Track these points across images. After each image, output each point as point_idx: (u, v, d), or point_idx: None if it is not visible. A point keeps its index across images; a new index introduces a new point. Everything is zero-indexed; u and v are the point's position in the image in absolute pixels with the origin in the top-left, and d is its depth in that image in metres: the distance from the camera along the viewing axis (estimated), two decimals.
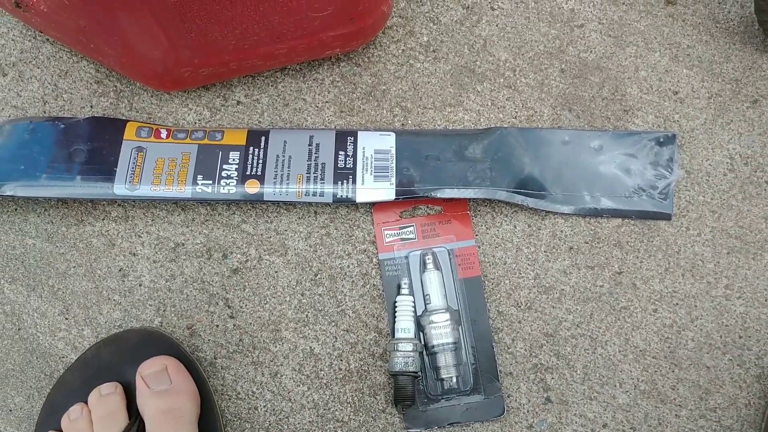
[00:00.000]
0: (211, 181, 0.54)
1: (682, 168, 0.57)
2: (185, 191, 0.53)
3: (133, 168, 0.54)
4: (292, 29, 0.51)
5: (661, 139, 0.57)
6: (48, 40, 0.59)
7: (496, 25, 0.60)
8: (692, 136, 0.58)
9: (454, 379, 0.52)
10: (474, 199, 0.56)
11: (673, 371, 0.54)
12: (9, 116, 0.58)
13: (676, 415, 0.53)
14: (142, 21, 0.46)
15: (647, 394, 0.53)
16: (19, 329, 0.54)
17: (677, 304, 0.55)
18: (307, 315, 0.55)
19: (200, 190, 0.54)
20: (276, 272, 0.55)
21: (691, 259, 0.56)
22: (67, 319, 0.54)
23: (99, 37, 0.50)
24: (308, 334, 0.54)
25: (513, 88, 0.59)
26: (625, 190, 0.56)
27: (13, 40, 0.59)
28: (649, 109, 0.58)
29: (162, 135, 0.56)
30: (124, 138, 0.55)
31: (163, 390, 0.47)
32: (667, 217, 0.56)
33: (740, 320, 0.54)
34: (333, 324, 0.54)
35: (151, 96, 0.58)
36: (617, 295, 0.55)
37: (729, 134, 0.58)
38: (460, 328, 0.54)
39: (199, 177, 0.54)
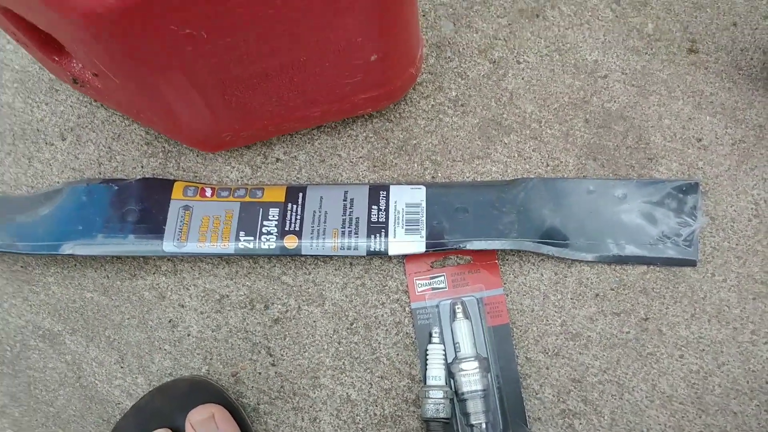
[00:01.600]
0: (252, 237, 0.57)
1: (707, 214, 0.58)
2: (229, 247, 0.57)
3: (180, 226, 0.58)
4: (325, 95, 0.55)
5: (684, 188, 0.58)
6: (102, 106, 0.64)
7: (522, 78, 0.63)
8: (716, 183, 0.59)
9: (484, 425, 0.54)
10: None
11: (700, 417, 0.55)
12: (68, 178, 0.63)
13: None
14: (187, 97, 0.50)
15: None
16: (79, 377, 0.59)
17: (703, 349, 0.56)
18: (343, 362, 0.58)
19: (242, 246, 0.57)
20: (314, 322, 0.58)
21: (717, 305, 0.57)
22: (122, 367, 0.59)
23: (148, 109, 0.54)
24: (345, 380, 0.57)
25: (539, 139, 0.61)
26: (650, 238, 0.58)
27: (71, 106, 0.64)
28: (673, 157, 0.60)
29: (207, 194, 0.60)
30: (172, 197, 0.59)
31: None
32: (692, 263, 0.57)
33: (767, 365, 0.55)
34: (368, 371, 0.57)
35: (197, 156, 0.62)
36: (643, 341, 0.57)
37: (753, 180, 0.59)
38: (489, 375, 0.56)
39: (242, 233, 0.58)
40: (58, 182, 0.62)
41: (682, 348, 0.56)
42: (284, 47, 0.47)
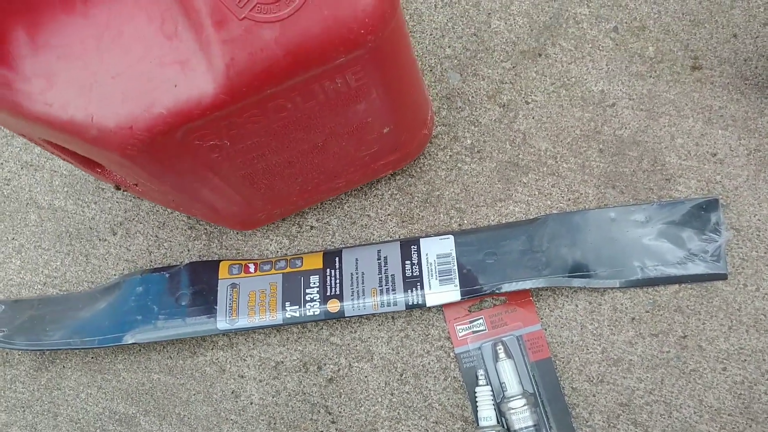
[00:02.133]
0: (297, 306, 0.61)
1: (731, 227, 0.60)
2: (277, 318, 0.61)
3: (230, 303, 0.62)
4: (346, 167, 0.58)
5: (704, 205, 0.60)
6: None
7: (533, 118, 0.65)
8: (737, 194, 0.60)
9: None
10: None
11: (750, 426, 0.56)
12: (123, 269, 0.67)
13: None
14: (222, 193, 0.54)
15: None
16: None
17: (745, 360, 0.57)
18: (398, 412, 0.61)
19: (289, 315, 0.61)
20: (366, 377, 0.62)
21: (753, 315, 0.58)
22: None
23: (187, 204, 0.58)
24: (402, 429, 0.60)
25: (557, 174, 0.64)
26: (677, 257, 0.59)
27: (117, 203, 0.69)
28: (691, 175, 0.62)
29: (251, 269, 0.64)
30: (219, 277, 0.64)
31: None
32: (723, 277, 0.59)
33: None
34: (423, 418, 0.60)
35: (237, 234, 0.67)
36: (685, 358, 0.58)
37: None
38: (538, 409, 0.58)
39: (287, 303, 0.61)
40: (114, 275, 0.67)
41: (724, 361, 0.58)
42: (301, 139, 0.51)
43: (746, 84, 0.63)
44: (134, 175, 0.50)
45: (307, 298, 0.61)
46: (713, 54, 0.64)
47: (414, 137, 0.59)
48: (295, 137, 0.50)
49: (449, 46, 0.68)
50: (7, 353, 0.67)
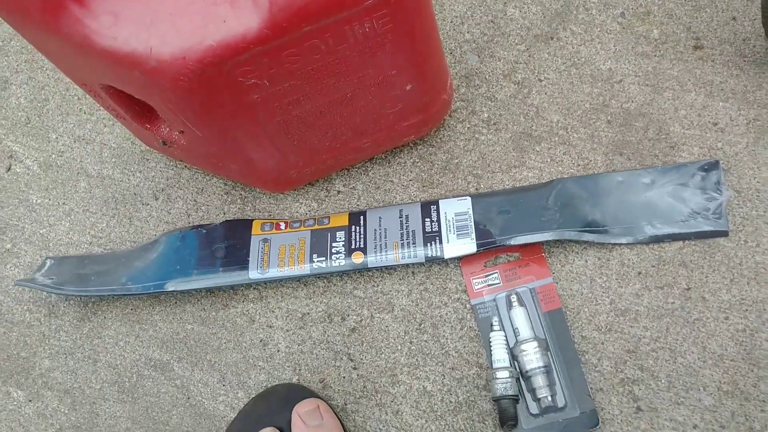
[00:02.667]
0: (324, 258, 0.66)
1: (732, 188, 0.64)
2: (305, 268, 0.65)
3: (261, 256, 0.67)
4: (373, 125, 0.64)
5: (706, 166, 0.64)
6: (186, 167, 0.75)
7: (545, 93, 0.71)
8: (737, 160, 0.65)
9: (550, 398, 0.60)
10: (547, 242, 0.65)
11: (752, 371, 0.59)
12: (163, 230, 0.73)
13: (761, 410, 0.58)
14: (258, 140, 0.60)
15: (731, 395, 0.58)
16: (188, 398, 0.67)
17: (747, 309, 0.60)
18: (417, 359, 0.64)
19: (317, 266, 0.65)
20: (387, 327, 0.66)
21: (754, 268, 0.61)
22: (224, 385, 0.67)
23: (227, 158, 0.64)
24: (420, 375, 0.64)
25: (568, 143, 0.68)
26: (681, 216, 0.63)
27: (160, 171, 0.75)
28: (694, 143, 0.66)
29: (281, 227, 0.68)
30: (252, 234, 0.68)
31: (317, 425, 0.58)
32: (724, 234, 0.62)
33: None
34: (440, 364, 0.64)
35: (269, 198, 0.72)
36: (689, 309, 0.61)
37: None
38: (548, 353, 0.61)
39: (315, 255, 0.66)
40: (155, 235, 0.73)
41: (726, 311, 0.61)
42: (331, 86, 0.57)
43: (745, 61, 0.68)
44: (182, 116, 0.56)
45: (333, 250, 0.66)
46: (714, 35, 0.69)
47: (435, 100, 0.64)
48: (326, 84, 0.56)
49: (468, 32, 0.74)
50: (53, 305, 0.72)
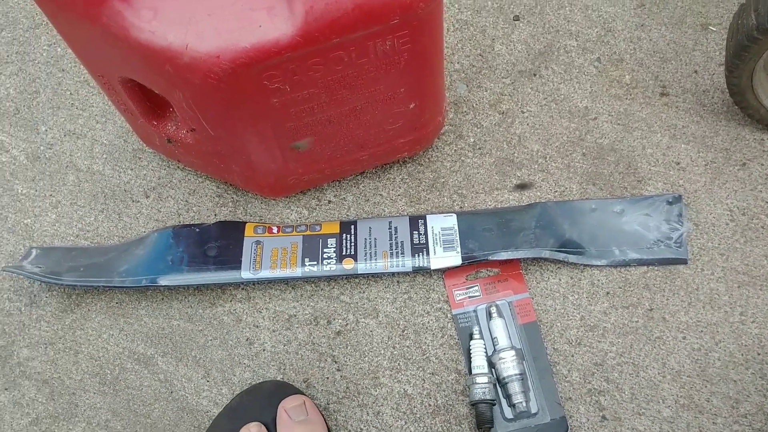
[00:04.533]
0: (315, 262, 0.69)
1: (691, 221, 0.70)
2: (296, 271, 0.68)
3: (254, 257, 0.69)
4: (372, 139, 0.68)
5: (670, 200, 0.70)
6: (179, 167, 0.77)
7: (528, 124, 0.76)
8: (696, 196, 0.71)
9: (524, 404, 0.64)
10: (524, 259, 0.70)
11: (706, 386, 0.65)
12: (153, 227, 0.74)
13: (713, 422, 0.63)
14: (266, 144, 0.63)
15: (686, 407, 0.64)
16: (171, 392, 0.68)
17: (702, 331, 0.67)
18: (399, 363, 0.67)
19: (308, 270, 0.68)
20: (371, 332, 0.69)
21: (709, 294, 0.68)
22: (208, 381, 0.68)
23: (230, 159, 0.66)
24: (401, 378, 0.67)
25: (546, 171, 0.74)
26: (647, 243, 0.69)
27: (152, 170, 0.77)
28: (659, 178, 0.73)
29: (274, 231, 0.71)
30: (245, 235, 0.71)
31: (302, 420, 0.60)
32: (683, 261, 0.69)
33: (756, 340, 0.66)
34: (420, 369, 0.67)
35: (261, 203, 0.74)
36: (651, 327, 0.67)
37: (726, 192, 0.71)
38: (523, 362, 0.66)
39: (306, 259, 0.69)
40: (144, 232, 0.74)
41: (684, 331, 0.67)
42: (344, 98, 0.60)
43: (704, 109, 0.75)
44: (201, 113, 0.58)
45: (325, 256, 0.69)
46: (678, 84, 0.77)
47: (432, 120, 0.69)
48: (340, 95, 0.60)
49: (458, 62, 0.80)
50: (34, 295, 0.72)
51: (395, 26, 0.54)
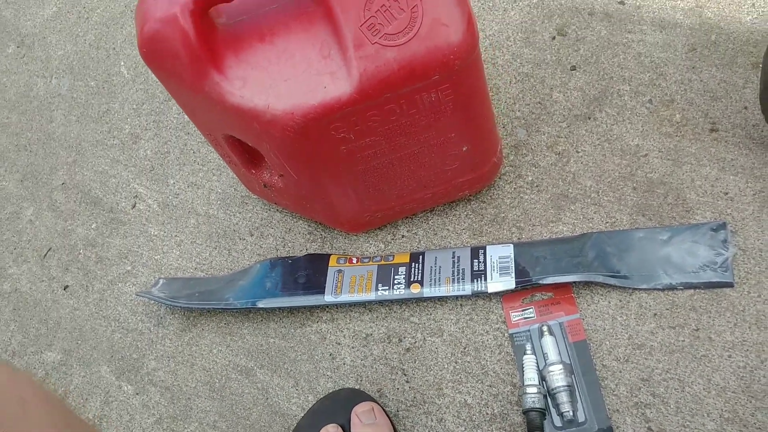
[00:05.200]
0: (387, 287, 0.79)
1: (738, 246, 0.74)
2: (371, 295, 0.79)
3: (336, 283, 0.81)
4: (433, 179, 0.78)
5: (714, 227, 0.75)
6: (278, 210, 0.90)
7: (582, 163, 0.84)
8: (744, 224, 0.76)
9: (571, 413, 0.70)
10: (576, 284, 0.76)
11: (750, 402, 0.68)
12: (256, 260, 0.88)
13: None
14: (341, 186, 0.75)
15: (731, 421, 0.68)
16: (267, 399, 0.80)
17: (748, 349, 0.70)
18: (460, 376, 0.76)
19: (380, 294, 0.79)
20: (436, 348, 0.78)
21: (755, 315, 0.71)
22: (297, 390, 0.79)
23: (314, 200, 0.79)
24: (462, 390, 0.75)
25: (598, 204, 0.81)
26: (693, 267, 0.74)
27: (256, 213, 0.91)
28: (707, 208, 0.77)
29: (353, 261, 0.83)
30: (329, 265, 0.83)
31: (371, 423, 0.70)
32: (729, 285, 0.73)
33: None
34: (479, 381, 0.75)
35: (345, 238, 0.86)
36: (697, 346, 0.71)
37: None
38: (572, 376, 0.72)
39: (380, 285, 0.79)
40: (248, 264, 0.88)
41: (730, 350, 0.70)
42: (402, 143, 0.71)
43: (753, 142, 0.80)
44: (284, 161, 0.71)
45: (395, 282, 0.79)
46: (728, 120, 0.82)
47: (486, 161, 0.79)
48: (398, 141, 0.71)
49: (519, 110, 0.89)
50: (161, 317, 0.87)
51: (437, 81, 0.65)
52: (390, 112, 0.67)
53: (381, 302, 0.80)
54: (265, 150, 0.72)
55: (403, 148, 0.72)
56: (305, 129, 0.66)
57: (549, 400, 0.72)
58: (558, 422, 0.71)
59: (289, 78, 0.66)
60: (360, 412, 0.71)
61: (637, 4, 0.92)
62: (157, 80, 1.04)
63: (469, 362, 0.76)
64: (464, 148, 0.75)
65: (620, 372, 0.72)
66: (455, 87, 0.67)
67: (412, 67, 0.63)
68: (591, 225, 0.80)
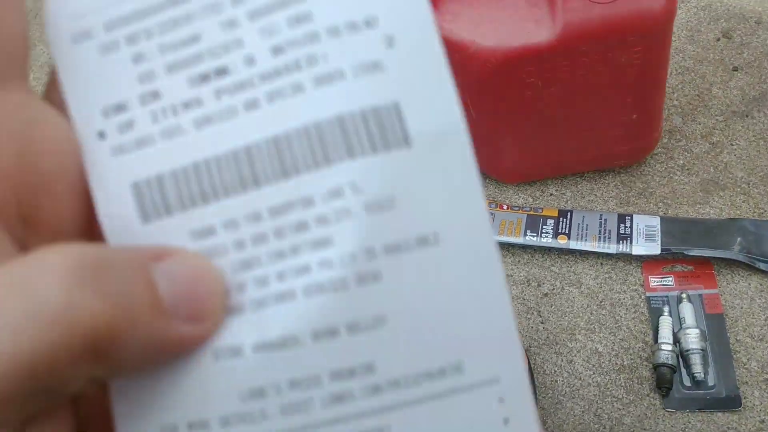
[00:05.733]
0: (535, 234, 0.84)
1: None
2: (519, 239, 0.84)
3: None
4: (596, 143, 0.83)
5: None
6: None
7: (734, 155, 0.88)
8: None
9: (702, 375, 0.74)
10: (718, 262, 0.80)
11: None
12: None
13: None
14: (514, 131, 0.81)
15: None
16: None
17: None
18: (593, 326, 0.80)
19: (528, 240, 0.84)
20: (573, 297, 0.83)
21: None
22: None
23: (480, 143, 0.85)
24: (594, 338, 0.80)
25: (747, 195, 0.85)
26: None
27: None
28: None
29: (504, 207, 0.88)
30: None
31: None
32: None
33: None
34: (612, 333, 0.80)
35: (495, 187, 0.92)
36: None
37: None
38: (706, 342, 0.76)
39: (528, 231, 0.85)
40: None
41: None
42: (582, 100, 0.77)
43: None
44: (473, 95, 0.78)
45: (543, 231, 0.85)
46: None
47: (649, 134, 0.83)
48: (579, 97, 0.77)
49: (677, 99, 0.94)
50: None
51: (632, 42, 0.71)
52: (581, 65, 0.73)
53: (524, 248, 0.85)
54: (461, 82, 0.78)
55: (580, 104, 0.78)
56: (502, 67, 0.72)
57: (681, 360, 0.76)
58: (687, 382, 0.75)
59: (496, 20, 0.72)
60: None
61: None
62: None
63: (603, 315, 0.81)
64: (634, 116, 0.80)
65: (753, 348, 0.76)
66: (645, 52, 0.72)
67: (613, 25, 0.69)
68: (738, 212, 0.84)
